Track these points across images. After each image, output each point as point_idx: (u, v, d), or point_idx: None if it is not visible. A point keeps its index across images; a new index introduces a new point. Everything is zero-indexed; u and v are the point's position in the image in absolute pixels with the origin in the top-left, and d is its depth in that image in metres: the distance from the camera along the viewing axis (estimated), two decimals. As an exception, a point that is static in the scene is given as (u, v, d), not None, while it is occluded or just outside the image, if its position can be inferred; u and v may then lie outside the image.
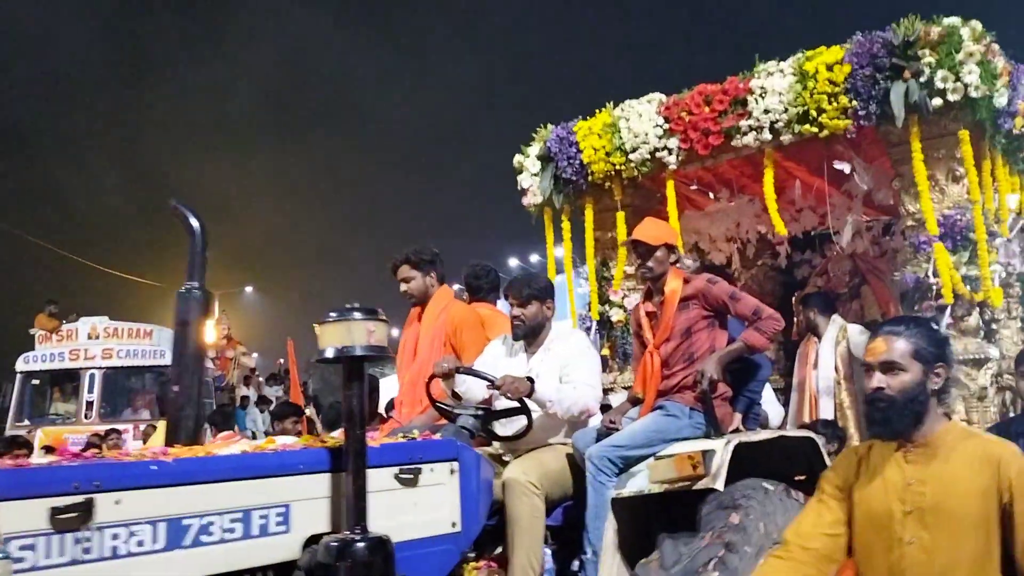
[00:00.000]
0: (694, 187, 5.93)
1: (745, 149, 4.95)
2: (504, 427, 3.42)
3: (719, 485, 2.95)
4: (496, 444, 3.48)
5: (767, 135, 4.75)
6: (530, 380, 3.27)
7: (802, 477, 3.74)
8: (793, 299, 6.18)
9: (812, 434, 3.62)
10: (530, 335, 3.58)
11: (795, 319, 6.09)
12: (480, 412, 3.24)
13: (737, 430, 3.49)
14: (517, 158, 5.70)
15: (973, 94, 4.22)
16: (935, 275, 4.45)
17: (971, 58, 4.17)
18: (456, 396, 3.44)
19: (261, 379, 18.44)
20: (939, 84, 4.24)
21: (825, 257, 6.66)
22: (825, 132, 4.60)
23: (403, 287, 3.94)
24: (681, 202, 6.01)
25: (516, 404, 3.26)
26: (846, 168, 4.88)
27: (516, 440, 3.33)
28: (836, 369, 5.31)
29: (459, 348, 3.77)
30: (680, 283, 3.44)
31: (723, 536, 2.87)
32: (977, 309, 4.65)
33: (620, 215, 5.46)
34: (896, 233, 5.75)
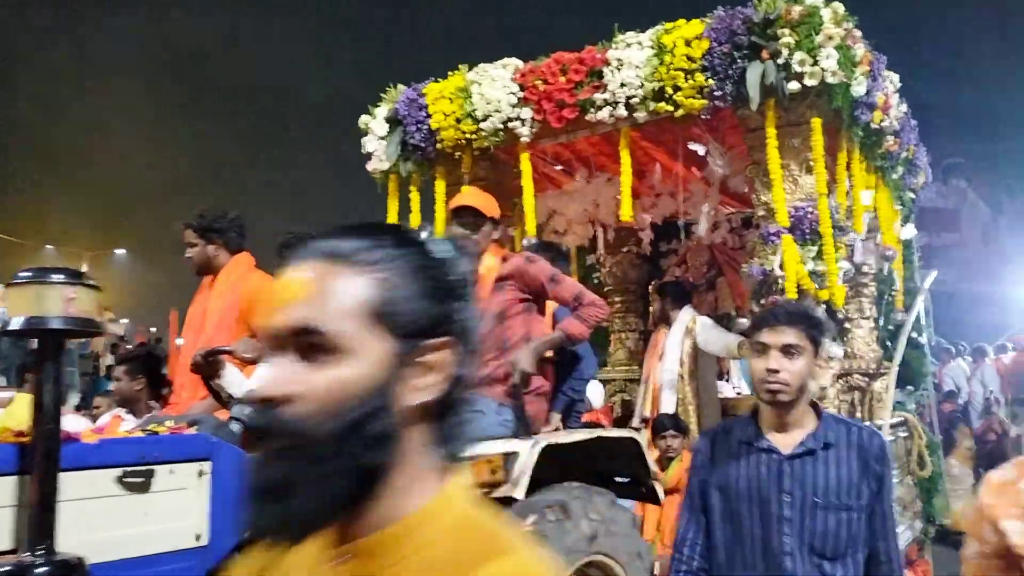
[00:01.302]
0: (551, 164, 5.60)
1: (601, 125, 4.63)
2: None
3: (519, 493, 2.63)
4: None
5: (622, 111, 4.45)
6: None
7: (625, 480, 3.49)
8: (650, 287, 5.97)
9: (632, 433, 3.34)
10: None
11: (650, 308, 5.88)
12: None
13: (556, 429, 3.19)
14: (363, 119, 5.24)
15: (830, 80, 4.02)
16: (782, 268, 4.27)
17: (830, 41, 3.96)
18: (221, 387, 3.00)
19: (130, 347, 17.48)
20: (796, 67, 4.02)
21: (686, 246, 6.50)
22: (681, 111, 4.32)
23: (186, 253, 3.47)
24: (539, 180, 5.69)
25: None
26: (702, 151, 4.63)
27: None
28: (681, 362, 5.12)
29: (254, 325, 3.32)
30: (497, 261, 3.09)
31: (551, 506, 2.59)
32: (823, 307, 4.50)
33: (465, 189, 5.07)
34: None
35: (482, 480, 2.64)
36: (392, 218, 5.29)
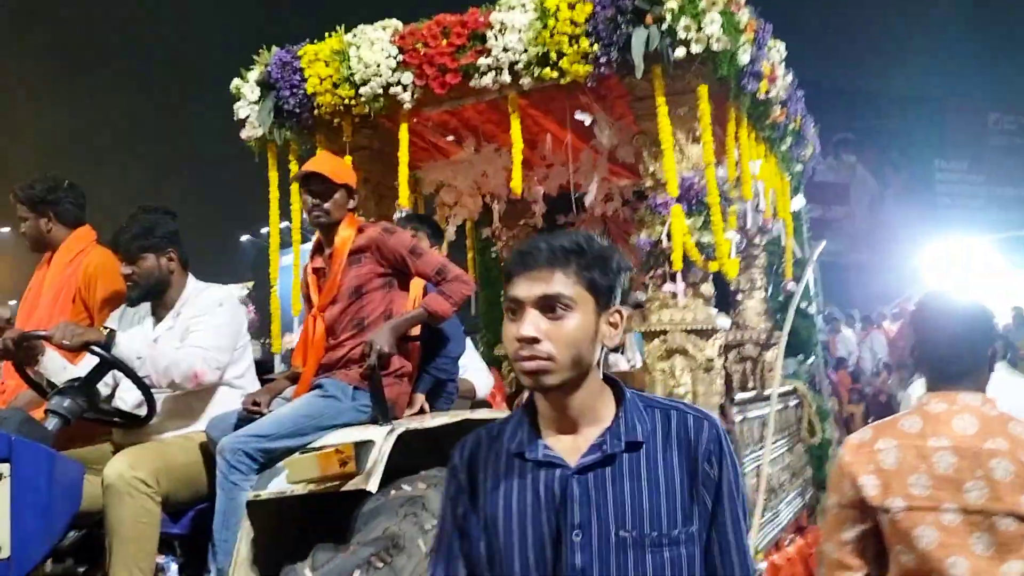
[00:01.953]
0: (441, 134, 5.37)
1: (487, 92, 4.44)
2: (135, 409, 2.73)
3: (372, 486, 2.43)
4: (118, 435, 2.78)
5: (506, 77, 4.27)
6: (110, 330, 2.61)
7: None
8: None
9: (505, 413, 3.19)
10: (151, 296, 2.91)
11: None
12: (72, 386, 2.52)
13: (422, 411, 3.01)
14: (235, 83, 4.89)
15: (715, 47, 3.92)
16: (669, 239, 4.19)
17: (714, 7, 3.86)
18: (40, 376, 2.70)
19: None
20: (682, 33, 3.91)
21: (579, 219, 6.39)
22: (566, 78, 4.17)
23: (20, 228, 3.14)
24: (426, 149, 5.48)
25: (104, 363, 2.56)
26: (587, 120, 4.49)
27: (139, 427, 2.65)
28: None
29: (92, 306, 3.03)
30: (353, 232, 2.88)
31: (376, 552, 2.36)
32: (711, 278, 4.45)
33: (347, 159, 4.81)
34: (649, 196, 5.54)
35: (330, 472, 2.43)
36: (273, 190, 4.98)
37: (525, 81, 4.26)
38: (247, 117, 4.86)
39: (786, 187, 6.06)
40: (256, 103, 4.81)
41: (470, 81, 4.37)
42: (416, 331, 3.10)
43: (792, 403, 6.02)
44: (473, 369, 3.89)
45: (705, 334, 4.31)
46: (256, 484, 2.52)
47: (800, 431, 6.15)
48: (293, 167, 4.95)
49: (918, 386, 3.76)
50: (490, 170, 5.27)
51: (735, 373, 6.47)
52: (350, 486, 2.44)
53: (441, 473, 2.65)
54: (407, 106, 4.55)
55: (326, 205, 2.87)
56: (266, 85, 4.80)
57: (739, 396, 4.50)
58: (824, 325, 13.53)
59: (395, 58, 4.47)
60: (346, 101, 4.60)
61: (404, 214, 4.72)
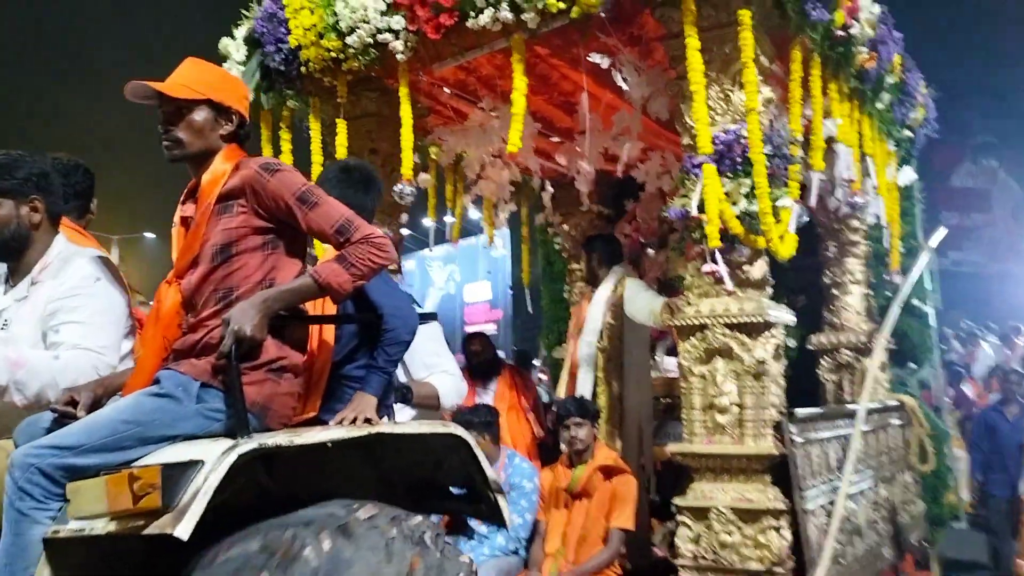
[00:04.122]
0: (460, 95, 4.66)
1: (489, 36, 3.69)
2: None
3: (182, 530, 1.70)
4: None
5: (507, 13, 3.50)
6: None
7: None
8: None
9: (451, 428, 2.41)
10: (3, 255, 2.32)
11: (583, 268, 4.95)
12: None
13: (368, 421, 2.23)
14: (223, 42, 4.35)
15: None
16: (701, 209, 3.30)
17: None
18: None
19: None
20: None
21: (635, 198, 5.52)
22: (575, 10, 3.36)
23: None
24: (442, 112, 4.78)
25: None
26: (604, 63, 3.66)
27: None
28: (600, 333, 4.17)
29: None
30: (227, 169, 2.15)
31: None
32: (765, 259, 3.52)
33: (341, 123, 4.18)
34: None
35: (119, 507, 1.72)
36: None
37: (529, 17, 3.48)
38: (235, 80, 4.30)
39: (887, 157, 4.97)
40: (243, 64, 4.25)
41: (467, 21, 3.63)
42: (329, 304, 2.37)
43: (896, 422, 4.91)
44: (441, 370, 3.09)
45: (755, 330, 3.39)
46: (60, 516, 1.88)
47: (908, 456, 5.02)
48: (284, 135, 4.37)
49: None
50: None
51: (827, 383, 5.42)
52: (152, 529, 1.73)
53: (325, 513, 1.89)
54: (401, 57, 3.85)
55: (177, 132, 2.15)
56: (253, 42, 4.23)
57: (803, 412, 3.53)
58: (954, 341, 11.92)
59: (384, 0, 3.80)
60: (334, 54, 3.96)
61: (404, 188, 4.05)
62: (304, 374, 2.23)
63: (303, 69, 4.07)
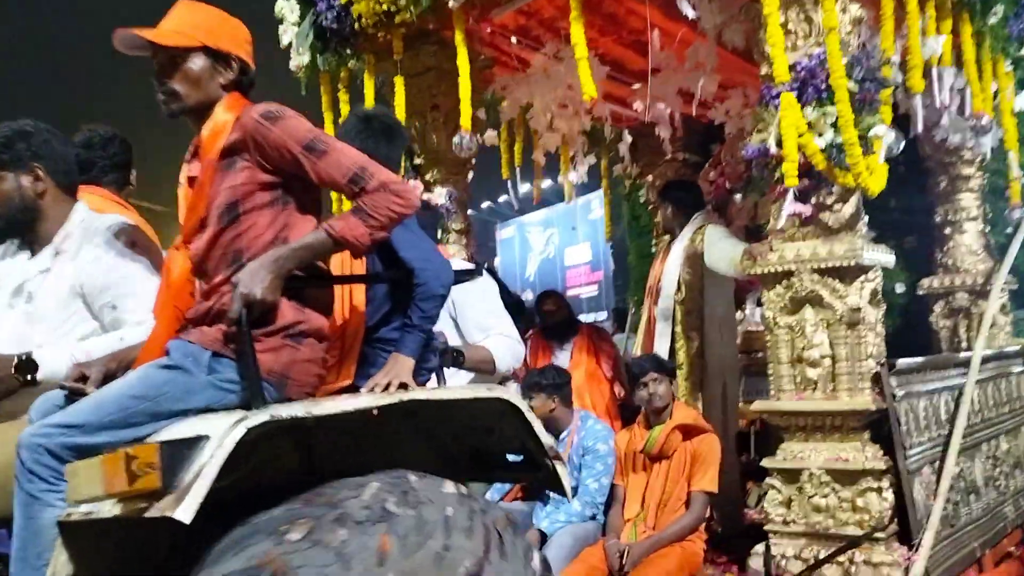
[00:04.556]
0: (525, 43, 4.42)
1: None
2: None
3: (184, 513, 1.59)
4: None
5: (560, -55, 3.26)
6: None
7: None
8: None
9: (496, 391, 2.23)
10: (13, 230, 2.27)
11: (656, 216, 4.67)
12: None
13: (403, 387, 2.09)
14: (278, 4, 4.25)
15: None
16: (780, 144, 2.99)
17: None
18: None
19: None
20: None
21: (723, 141, 5.17)
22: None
23: None
24: (506, 62, 4.56)
25: None
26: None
27: None
28: (679, 286, 3.91)
29: None
30: (230, 120, 1.98)
31: None
32: (859, 195, 3.18)
33: (398, 80, 4.03)
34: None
35: (117, 488, 1.60)
36: (329, 129, 4.30)
37: (584, -53, 3.22)
38: (291, 43, 4.21)
39: (1007, 79, 4.45)
40: (297, 24, 4.15)
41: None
42: (358, 266, 2.22)
43: (1018, 369, 4.46)
44: (497, 332, 2.92)
45: (847, 274, 3.08)
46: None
47: (1034, 408, 4.56)
48: (342, 97, 4.25)
49: None
50: (577, 81, 4.20)
51: (942, 330, 4.97)
52: (153, 512, 1.61)
53: (356, 494, 1.75)
54: (453, 4, 3.66)
55: (172, 83, 1.98)
56: (307, 1, 4.12)
57: (906, 362, 3.20)
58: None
59: (433, -57, 3.60)
60: (385, 6, 3.80)
61: (464, 138, 3.87)
62: (334, 341, 2.10)
63: (356, 25, 3.93)
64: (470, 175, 4.81)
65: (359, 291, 2.24)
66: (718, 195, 4.93)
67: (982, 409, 3.84)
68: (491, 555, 1.80)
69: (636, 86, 4.63)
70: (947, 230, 4.87)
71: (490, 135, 4.92)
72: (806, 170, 3.04)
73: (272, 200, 1.97)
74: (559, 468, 2.33)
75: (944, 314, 4.89)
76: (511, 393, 2.26)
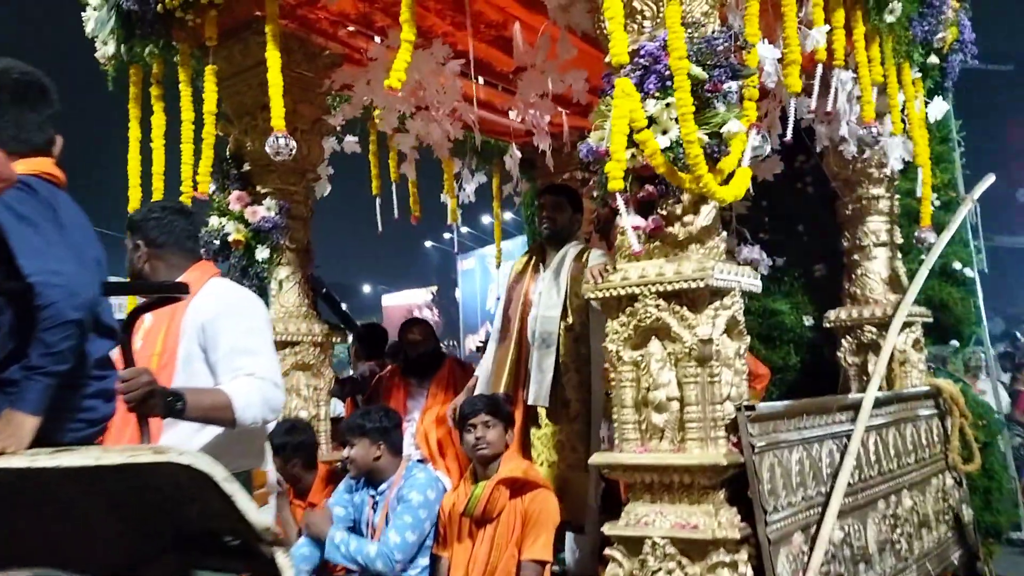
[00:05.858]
0: (365, 32, 3.88)
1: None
2: None
3: None
4: None
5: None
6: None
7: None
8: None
9: (170, 456, 1.62)
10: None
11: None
12: None
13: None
14: (82, -14, 3.69)
15: None
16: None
17: None
18: None
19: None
20: None
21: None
22: None
23: None
24: (350, 55, 4.02)
25: None
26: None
27: None
28: (565, 310, 3.41)
29: None
30: None
31: None
32: (714, 206, 2.66)
33: (208, 71, 3.47)
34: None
35: None
36: (134, 130, 3.70)
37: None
38: (96, 33, 3.63)
39: (914, 87, 4.01)
40: (98, 9, 3.57)
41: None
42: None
43: (925, 412, 3.96)
44: (247, 372, 2.15)
45: (697, 299, 2.54)
46: None
47: (947, 455, 4.06)
48: (154, 91, 3.67)
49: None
50: (422, 73, 3.65)
51: (851, 368, 4.47)
52: None
53: None
54: (264, -18, 3.12)
55: None
56: (108, -21, 3.55)
57: (768, 406, 2.66)
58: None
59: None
60: (188, -15, 3.25)
61: (278, 140, 3.30)
62: None
63: (160, 7, 3.36)
64: (327, 187, 4.27)
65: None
66: (600, 216, 4.41)
67: (879, 460, 3.32)
68: None
69: (500, 87, 4.11)
70: (855, 256, 4.40)
71: (349, 142, 4.38)
72: (650, 174, 2.53)
73: None
74: (279, 556, 1.75)
75: (852, 350, 4.39)
76: (195, 457, 1.67)
